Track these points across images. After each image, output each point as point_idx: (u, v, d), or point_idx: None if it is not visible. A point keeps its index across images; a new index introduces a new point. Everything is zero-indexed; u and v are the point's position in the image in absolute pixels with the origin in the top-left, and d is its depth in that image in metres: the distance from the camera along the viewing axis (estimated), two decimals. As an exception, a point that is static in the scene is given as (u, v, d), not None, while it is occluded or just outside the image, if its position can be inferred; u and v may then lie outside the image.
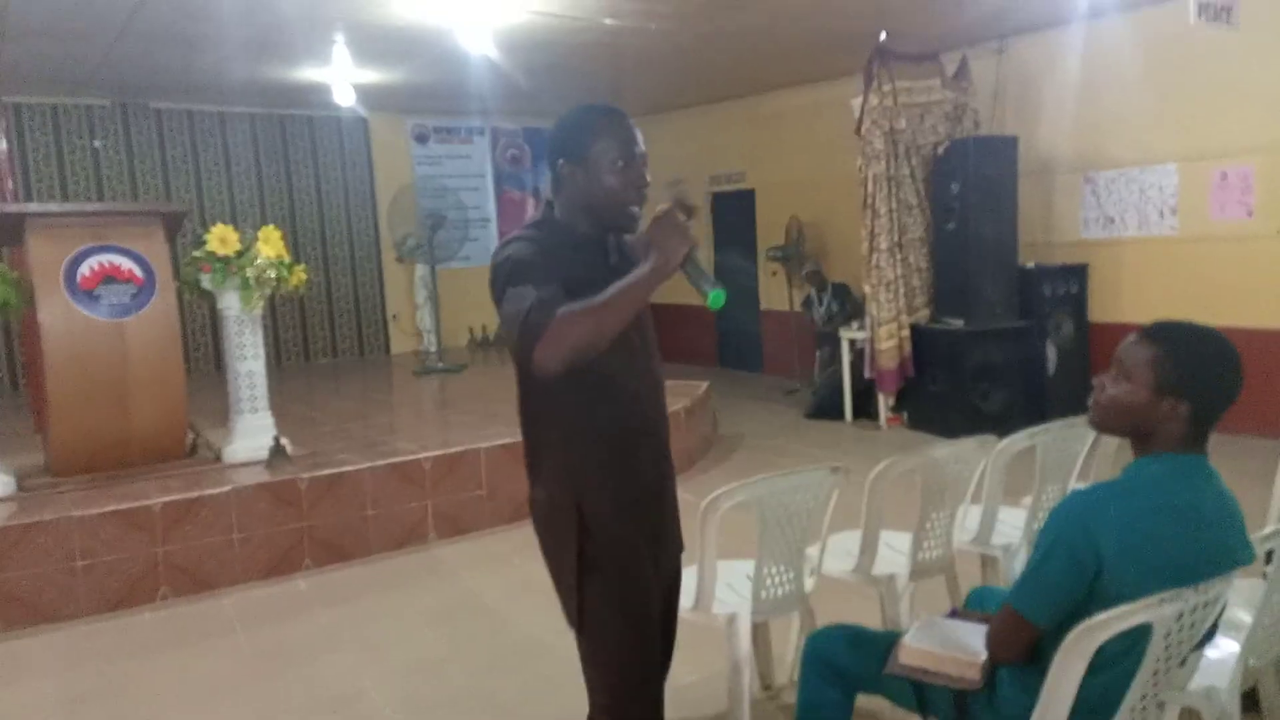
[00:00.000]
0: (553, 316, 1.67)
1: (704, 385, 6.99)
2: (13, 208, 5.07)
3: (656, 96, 10.10)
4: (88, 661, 3.76)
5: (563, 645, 2.11)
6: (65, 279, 4.60)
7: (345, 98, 7.95)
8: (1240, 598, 2.28)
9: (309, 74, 7.77)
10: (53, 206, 5.87)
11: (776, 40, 7.17)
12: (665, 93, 9.87)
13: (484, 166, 10.97)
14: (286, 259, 5.04)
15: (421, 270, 9.73)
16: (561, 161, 1.92)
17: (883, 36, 6.83)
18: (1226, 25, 5.86)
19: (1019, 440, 3.06)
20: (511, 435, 5.44)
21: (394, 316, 10.42)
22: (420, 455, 5.05)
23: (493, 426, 5.69)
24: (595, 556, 1.92)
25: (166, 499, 4.35)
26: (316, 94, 8.37)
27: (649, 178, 1.94)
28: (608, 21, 6.38)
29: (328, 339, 10.17)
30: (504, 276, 1.82)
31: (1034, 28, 7.09)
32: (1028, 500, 3.23)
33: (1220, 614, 1.80)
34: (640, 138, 1.94)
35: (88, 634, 4.00)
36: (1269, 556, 2.10)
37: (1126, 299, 6.89)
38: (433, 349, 9.44)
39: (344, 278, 10.19)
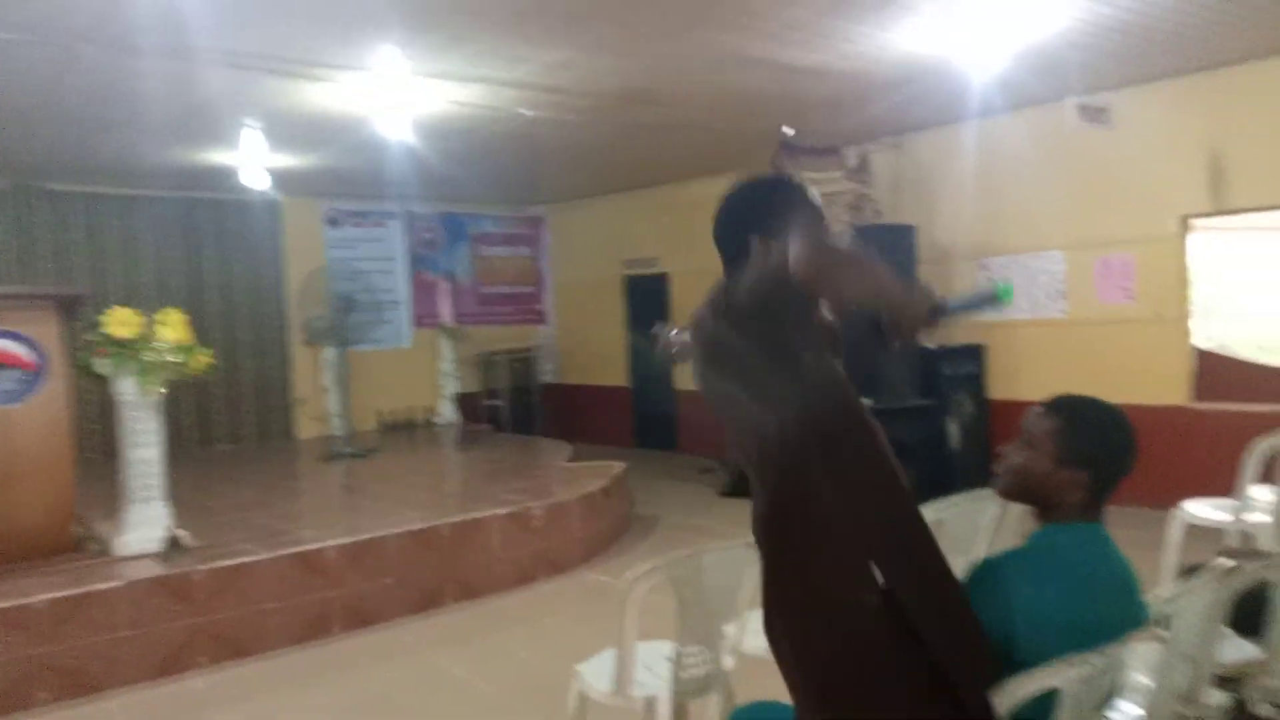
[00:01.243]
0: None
1: (620, 465, 6.98)
2: (-107, 288, 4.83)
3: (573, 184, 10.30)
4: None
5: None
6: (-52, 363, 4.37)
7: (258, 182, 7.87)
8: (1135, 660, 2.35)
9: (220, 157, 7.68)
10: (-63, 288, 5.59)
11: (689, 134, 7.44)
12: (581, 181, 10.08)
13: (396, 249, 10.93)
14: (189, 342, 4.89)
15: (331, 353, 9.55)
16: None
17: (790, 132, 7.15)
18: (1103, 126, 6.35)
19: (928, 513, 3.11)
20: (422, 520, 5.31)
21: (300, 400, 10.14)
22: (324, 544, 4.87)
23: (403, 511, 5.54)
24: None
25: (50, 595, 4.08)
26: (227, 177, 8.26)
27: None
28: (525, 112, 6.52)
29: (229, 424, 9.81)
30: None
31: (929, 125, 7.53)
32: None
33: (1120, 677, 1.85)
34: None
35: (-47, 747, 3.68)
36: (1164, 620, 2.18)
37: (1022, 377, 7.21)
38: (340, 433, 9.20)
39: (248, 361, 9.90)
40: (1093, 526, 1.85)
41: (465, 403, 10.69)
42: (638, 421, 10.73)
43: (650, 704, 2.60)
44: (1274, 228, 6.88)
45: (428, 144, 7.12)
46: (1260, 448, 4.12)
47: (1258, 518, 4.13)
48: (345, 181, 9.34)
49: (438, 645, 4.62)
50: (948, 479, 6.71)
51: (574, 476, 6.78)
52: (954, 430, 7.16)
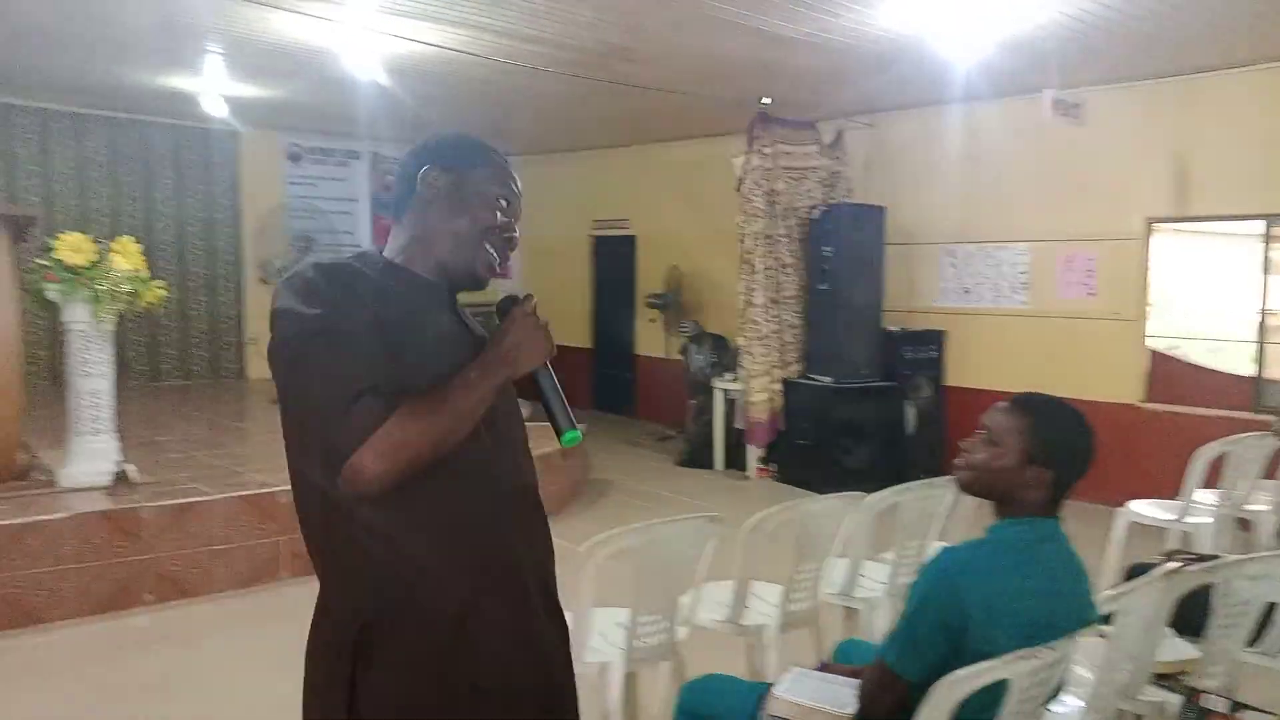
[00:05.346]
0: (379, 417, 1.32)
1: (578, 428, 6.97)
2: None
3: (543, 136, 10.14)
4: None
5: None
6: (-111, 279, 4.20)
7: (216, 109, 7.62)
8: (1080, 655, 2.42)
9: (178, 82, 7.42)
10: (-122, 199, 5.36)
11: (665, 95, 7.36)
12: (552, 134, 9.93)
13: (359, 190, 10.70)
14: (144, 274, 4.76)
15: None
16: (429, 169, 1.53)
17: (766, 101, 7.11)
18: (1075, 121, 6.41)
19: (884, 498, 3.18)
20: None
21: (253, 340, 9.95)
22: (275, 488, 4.81)
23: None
24: None
25: (-10, 524, 3.99)
26: (184, 102, 7.98)
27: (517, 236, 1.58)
28: (501, 60, 6.38)
29: (179, 360, 9.60)
30: (296, 337, 1.37)
31: (904, 105, 7.54)
32: (889, 555, 3.35)
33: (1065, 671, 1.91)
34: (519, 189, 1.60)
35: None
36: (1107, 617, 2.25)
37: (979, 365, 7.32)
38: (294, 376, 9.04)
39: (201, 296, 9.67)
40: (1049, 522, 1.90)
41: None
42: (598, 384, 10.73)
43: (603, 670, 2.62)
44: (1232, 233, 7.03)
45: (398, 83, 6.95)
46: (1206, 452, 4.24)
47: (1200, 520, 4.27)
48: (309, 116, 9.08)
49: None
50: (902, 462, 6.83)
51: (529, 434, 6.76)
52: (911, 414, 7.27)
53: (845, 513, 3.15)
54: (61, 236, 4.60)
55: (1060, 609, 1.84)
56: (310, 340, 1.36)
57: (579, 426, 1.54)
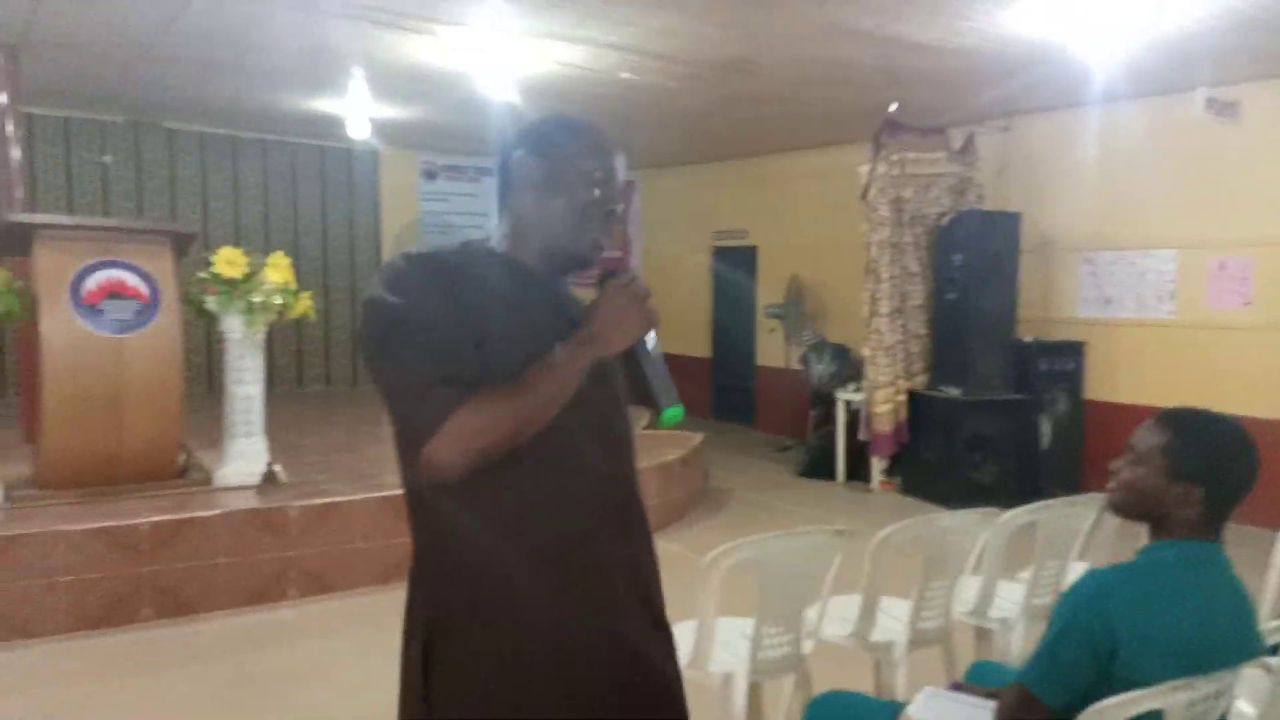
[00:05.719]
0: (454, 404, 1.30)
1: (698, 437, 6.99)
2: (23, 218, 5.07)
3: (664, 151, 10.24)
4: (60, 680, 3.68)
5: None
6: (70, 292, 4.58)
7: (360, 131, 8.03)
8: (1243, 688, 2.27)
9: (325, 105, 7.85)
10: (63, 219, 5.85)
11: (789, 106, 7.31)
12: (673, 148, 10.02)
13: (489, 205, 11.05)
14: (293, 286, 5.05)
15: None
16: (521, 154, 1.48)
17: (893, 108, 6.97)
18: (1231, 121, 6.03)
19: (1022, 515, 3.06)
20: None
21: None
22: (412, 491, 5.00)
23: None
24: None
25: (154, 519, 4.30)
26: (330, 125, 8.45)
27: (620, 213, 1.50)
28: (624, 76, 6.49)
29: (322, 366, 10.13)
30: (378, 326, 1.37)
31: (1041, 109, 7.26)
32: (1025, 575, 3.23)
33: (1228, 705, 1.80)
34: (623, 166, 1.52)
35: (64, 652, 3.92)
36: (1275, 648, 2.11)
37: (1122, 379, 6.95)
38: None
39: (342, 307, 10.18)
40: (1207, 545, 1.79)
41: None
42: (716, 393, 10.72)
43: (727, 680, 2.62)
44: None
45: (528, 102, 7.16)
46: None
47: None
48: (442, 135, 9.45)
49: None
50: (1035, 478, 6.55)
51: (650, 443, 6.82)
52: (1046, 428, 6.97)
53: (979, 529, 3.05)
54: (219, 251, 4.93)
55: (1220, 638, 1.73)
56: (390, 329, 1.35)
57: (679, 404, 1.46)
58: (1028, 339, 7.17)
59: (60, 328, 4.54)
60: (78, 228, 4.99)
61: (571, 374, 1.36)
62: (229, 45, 6.02)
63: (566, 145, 1.47)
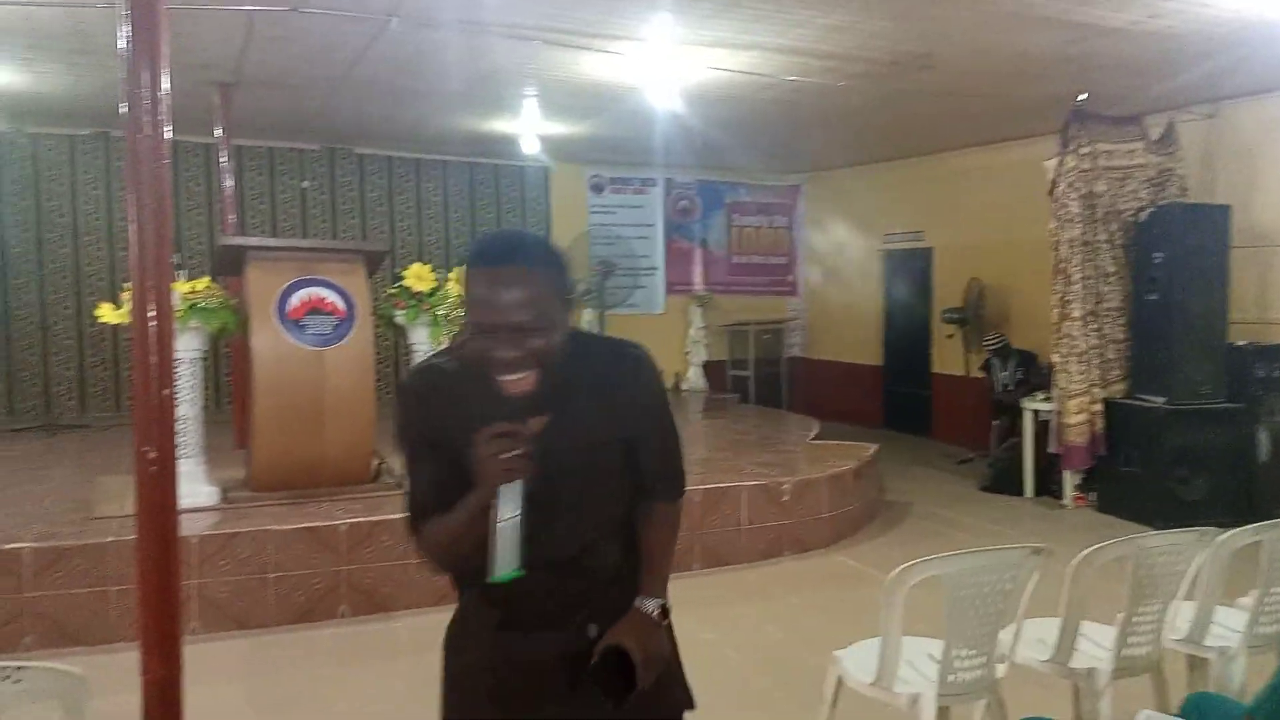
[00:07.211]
0: (420, 518, 1.60)
1: (872, 448, 6.78)
2: (237, 240, 5.55)
3: (833, 153, 10.06)
4: (273, 671, 3.97)
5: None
6: (277, 308, 4.97)
7: (531, 147, 8.31)
8: None
9: (499, 125, 8.18)
10: (271, 241, 6.39)
11: (962, 101, 7.00)
12: (840, 150, 9.81)
13: (655, 216, 11.18)
14: (474, 299, 5.26)
15: (589, 315, 9.97)
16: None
17: (1082, 98, 6.54)
18: None
19: (1244, 534, 2.79)
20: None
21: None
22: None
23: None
24: None
25: (352, 520, 4.58)
26: (504, 144, 8.79)
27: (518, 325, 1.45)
28: (791, 79, 6.40)
29: (497, 377, 10.53)
30: (396, 426, 1.66)
31: (1253, 92, 6.62)
32: (1247, 600, 2.94)
33: None
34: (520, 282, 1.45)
35: (274, 643, 4.24)
36: None
37: (1355, 386, 6.22)
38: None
39: (516, 319, 10.54)
40: None
41: (712, 371, 10.82)
42: (888, 402, 10.39)
43: (914, 701, 2.51)
44: None
45: (692, 111, 7.19)
46: None
47: None
48: (609, 149, 9.64)
49: (684, 607, 4.69)
50: (1251, 496, 5.97)
51: (821, 454, 6.68)
52: (1264, 440, 6.33)
53: (1193, 550, 2.80)
54: (408, 267, 5.22)
55: None
56: (398, 446, 1.66)
57: (517, 570, 1.45)
58: (1241, 342, 6.54)
59: (268, 342, 4.92)
60: (283, 249, 5.41)
61: (471, 510, 1.48)
62: (413, 73, 6.36)
63: (469, 265, 1.50)
